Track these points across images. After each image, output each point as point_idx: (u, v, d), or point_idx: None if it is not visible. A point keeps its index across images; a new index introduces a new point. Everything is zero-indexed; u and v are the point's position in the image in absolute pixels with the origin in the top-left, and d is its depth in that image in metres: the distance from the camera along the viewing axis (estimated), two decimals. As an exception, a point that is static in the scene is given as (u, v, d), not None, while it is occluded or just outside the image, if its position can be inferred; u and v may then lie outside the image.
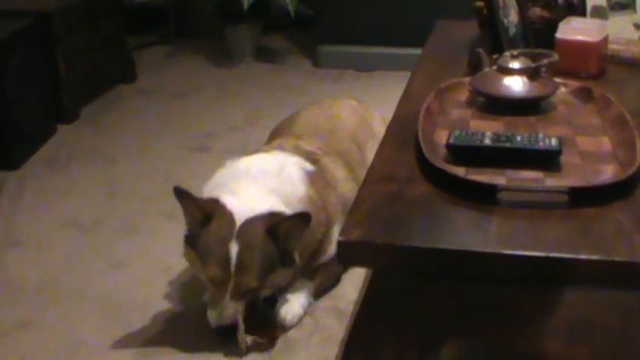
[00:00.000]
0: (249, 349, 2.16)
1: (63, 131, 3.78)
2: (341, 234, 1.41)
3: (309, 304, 2.34)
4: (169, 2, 5.19)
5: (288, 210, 2.16)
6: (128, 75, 4.45)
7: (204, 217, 2.13)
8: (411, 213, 1.49)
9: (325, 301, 2.38)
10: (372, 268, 1.50)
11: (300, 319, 2.29)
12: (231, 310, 2.12)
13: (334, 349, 2.17)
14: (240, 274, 2.09)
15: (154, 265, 2.61)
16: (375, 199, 1.51)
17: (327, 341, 2.21)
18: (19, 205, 3.09)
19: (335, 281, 2.45)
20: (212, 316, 2.15)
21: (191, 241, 2.17)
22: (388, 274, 1.46)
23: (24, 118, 3.46)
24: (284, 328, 2.25)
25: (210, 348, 2.19)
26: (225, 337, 2.16)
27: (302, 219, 2.10)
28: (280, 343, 2.21)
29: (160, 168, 3.34)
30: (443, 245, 1.39)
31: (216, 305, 2.13)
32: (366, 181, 1.60)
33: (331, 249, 2.34)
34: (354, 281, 2.46)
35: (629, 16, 2.34)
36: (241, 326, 2.13)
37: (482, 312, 1.46)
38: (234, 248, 2.08)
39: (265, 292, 2.22)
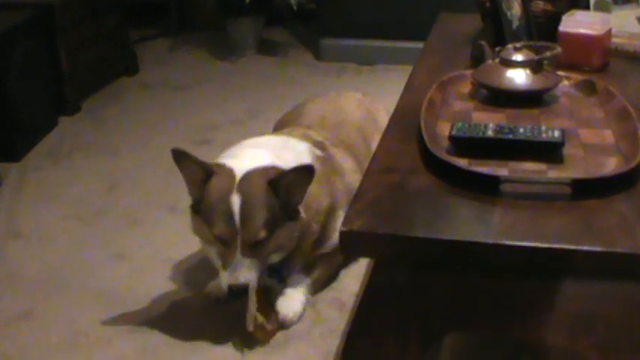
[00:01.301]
0: (255, 330, 2.14)
1: (65, 124, 3.78)
2: (343, 224, 1.41)
3: (307, 300, 2.34)
4: (172, -5, 5.19)
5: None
6: (130, 68, 4.45)
7: (204, 175, 2.12)
8: (413, 204, 1.49)
9: (326, 293, 2.38)
10: (374, 258, 1.50)
11: (301, 316, 2.28)
12: (244, 267, 2.09)
13: (336, 340, 2.17)
14: (246, 226, 2.07)
15: (155, 257, 2.61)
16: (377, 190, 1.51)
17: (328, 333, 2.21)
18: (21, 197, 3.09)
19: (334, 275, 2.45)
20: (224, 278, 2.11)
21: (196, 207, 2.16)
22: (390, 265, 1.46)
23: (26, 111, 3.47)
24: (284, 326, 2.24)
25: (211, 339, 2.19)
26: (237, 298, 2.13)
27: (305, 172, 2.08)
28: (281, 335, 2.21)
29: (162, 160, 3.33)
30: (445, 236, 1.39)
31: (227, 264, 2.10)
32: (368, 171, 1.60)
33: (335, 236, 2.32)
34: (355, 273, 2.46)
35: (633, 9, 2.34)
36: (252, 298, 2.11)
37: (484, 304, 1.45)
38: (236, 201, 2.07)
39: (274, 253, 2.17)
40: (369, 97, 2.96)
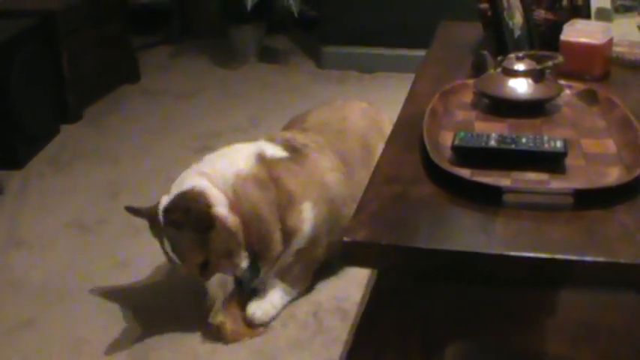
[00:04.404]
0: (216, 328, 2.24)
1: (67, 131, 3.79)
2: (346, 234, 1.41)
3: (286, 303, 2.39)
4: (173, 2, 5.19)
5: (212, 187, 2.25)
6: (132, 75, 4.46)
7: (149, 221, 2.29)
8: (416, 214, 1.49)
9: (329, 302, 2.39)
10: (377, 268, 1.49)
11: (272, 318, 2.33)
12: (215, 283, 2.29)
13: (338, 349, 2.17)
14: (182, 260, 2.21)
15: (157, 265, 2.62)
16: (380, 200, 1.51)
17: (330, 342, 2.21)
18: (23, 204, 3.09)
19: (317, 266, 2.48)
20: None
21: None
22: (393, 275, 1.46)
23: (28, 118, 3.47)
24: (253, 326, 2.30)
25: (215, 348, 2.20)
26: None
27: (181, 200, 2.19)
28: (284, 343, 2.22)
29: (163, 168, 3.34)
30: (448, 246, 1.38)
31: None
32: (371, 181, 1.60)
33: (305, 228, 2.39)
34: (357, 282, 2.46)
35: (634, 18, 2.34)
36: (218, 302, 2.27)
37: (486, 313, 1.46)
38: (166, 243, 2.21)
39: (229, 258, 2.25)
40: (374, 106, 2.96)
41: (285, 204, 2.36)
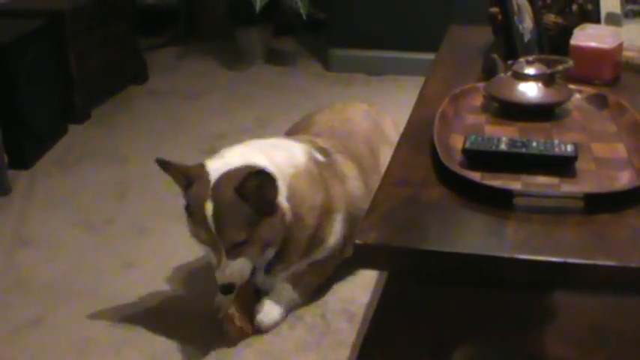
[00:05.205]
0: (223, 322, 2.22)
1: (74, 131, 3.80)
2: (357, 237, 1.41)
3: (291, 310, 2.36)
4: (181, 3, 5.20)
5: (273, 170, 2.19)
6: (139, 76, 4.47)
7: (187, 181, 2.18)
8: (426, 217, 1.49)
9: (336, 304, 2.39)
10: (388, 271, 1.50)
11: (277, 324, 2.31)
12: (233, 268, 2.14)
13: (345, 352, 2.17)
14: (221, 232, 2.11)
15: (164, 265, 2.62)
16: (391, 203, 1.52)
17: (338, 344, 2.21)
18: (31, 204, 3.10)
19: (324, 280, 2.46)
20: (218, 277, 2.16)
21: (188, 210, 2.20)
22: (403, 277, 1.46)
23: (36, 118, 3.48)
24: (260, 330, 2.28)
25: (220, 349, 2.20)
26: (229, 294, 2.20)
27: (261, 174, 2.11)
28: (291, 345, 2.22)
29: (171, 169, 3.35)
30: (458, 249, 1.39)
31: (217, 266, 2.15)
32: (382, 184, 1.60)
33: (332, 240, 2.37)
34: (364, 284, 2.46)
35: (643, 23, 2.35)
36: (234, 295, 2.22)
37: (496, 316, 1.46)
38: (209, 207, 2.11)
39: (263, 248, 2.20)
40: (375, 107, 2.96)
41: (325, 210, 2.34)
